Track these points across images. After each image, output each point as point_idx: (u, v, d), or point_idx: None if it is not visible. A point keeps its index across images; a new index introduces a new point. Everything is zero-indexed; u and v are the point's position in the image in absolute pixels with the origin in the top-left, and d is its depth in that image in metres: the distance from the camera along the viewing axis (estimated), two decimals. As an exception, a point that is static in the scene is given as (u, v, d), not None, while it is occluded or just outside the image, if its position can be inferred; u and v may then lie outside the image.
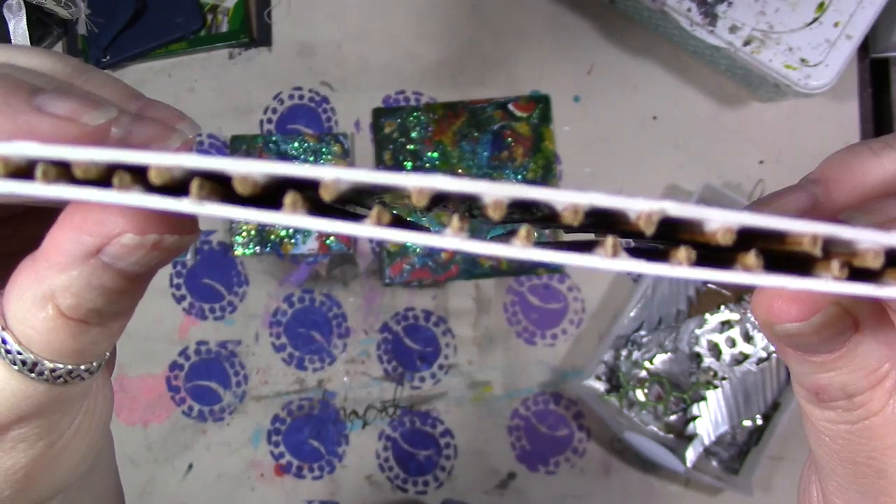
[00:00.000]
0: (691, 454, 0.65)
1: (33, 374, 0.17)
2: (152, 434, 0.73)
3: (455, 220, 0.13)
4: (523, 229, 0.13)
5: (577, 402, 0.70)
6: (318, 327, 0.72)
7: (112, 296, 0.17)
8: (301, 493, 0.72)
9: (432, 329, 0.71)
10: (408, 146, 0.71)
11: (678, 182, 0.70)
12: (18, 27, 0.70)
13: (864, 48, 0.69)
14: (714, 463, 0.67)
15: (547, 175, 0.70)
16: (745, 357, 0.67)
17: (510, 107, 0.71)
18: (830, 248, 0.13)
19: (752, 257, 0.13)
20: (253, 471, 0.72)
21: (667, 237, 0.14)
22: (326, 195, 0.13)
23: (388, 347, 0.71)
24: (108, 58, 0.74)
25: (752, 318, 0.67)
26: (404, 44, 0.73)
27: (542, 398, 0.70)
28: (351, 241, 0.71)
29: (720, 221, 0.12)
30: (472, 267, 0.70)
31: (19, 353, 0.17)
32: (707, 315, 0.67)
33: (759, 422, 0.67)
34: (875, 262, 0.12)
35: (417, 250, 0.70)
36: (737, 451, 0.67)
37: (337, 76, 0.73)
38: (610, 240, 0.13)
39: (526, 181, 0.70)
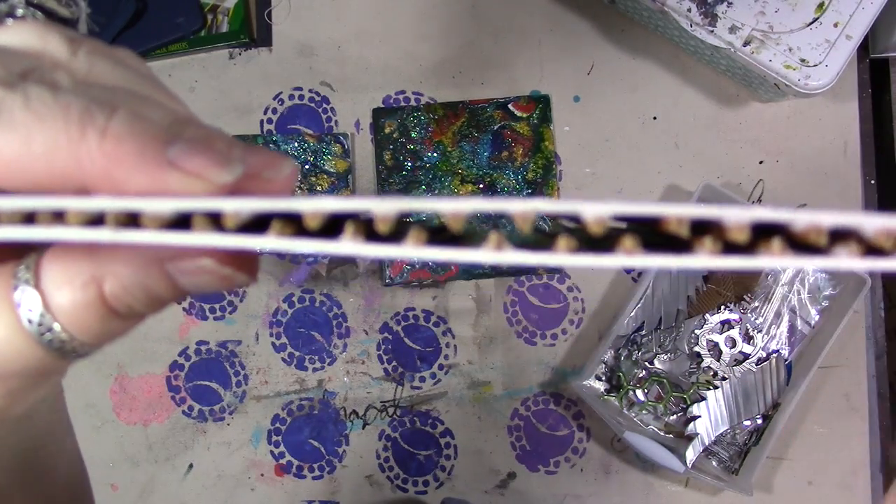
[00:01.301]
0: (691, 454, 0.65)
1: (42, 338, 0.17)
2: (152, 434, 0.73)
3: (350, 227, 0.14)
4: (414, 231, 0.14)
5: (577, 402, 0.70)
6: (318, 327, 0.72)
7: (154, 301, 0.18)
8: (301, 493, 0.72)
9: (432, 329, 0.71)
10: (408, 146, 0.71)
11: (678, 182, 0.70)
12: (18, 27, 0.70)
13: (864, 48, 0.69)
14: (714, 463, 0.67)
15: (547, 175, 0.70)
16: (745, 357, 0.67)
17: (510, 107, 0.71)
18: (708, 228, 0.13)
19: (629, 240, 0.14)
20: (253, 471, 0.72)
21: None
22: (230, 223, 0.15)
23: (388, 347, 0.71)
24: (108, 58, 0.74)
25: (753, 319, 0.67)
26: (404, 44, 0.73)
27: (542, 398, 0.70)
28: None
29: (591, 213, 0.13)
30: (472, 267, 0.70)
31: (42, 315, 0.17)
32: (707, 315, 0.67)
33: (759, 422, 0.67)
34: (741, 237, 0.13)
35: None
36: (737, 451, 0.67)
37: (337, 76, 0.74)
38: (494, 235, 0.14)
39: (526, 181, 0.70)
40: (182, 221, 0.15)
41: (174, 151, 0.16)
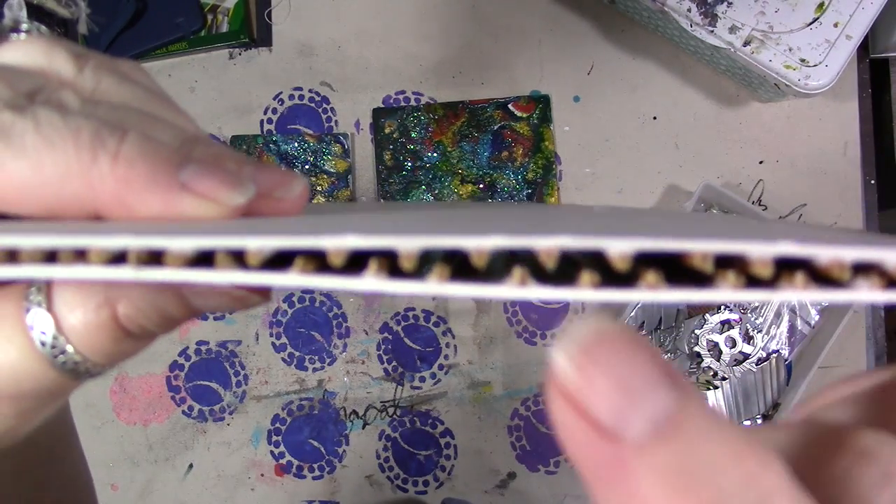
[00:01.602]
0: (691, 454, 0.65)
1: (55, 360, 0.17)
2: (152, 434, 0.73)
3: (374, 264, 0.14)
4: (437, 268, 0.14)
5: (577, 402, 0.70)
6: (318, 327, 0.72)
7: (167, 321, 0.18)
8: (301, 493, 0.72)
9: (432, 329, 0.71)
10: (408, 146, 0.71)
11: (678, 182, 0.70)
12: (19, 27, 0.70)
13: (864, 48, 0.69)
14: (714, 463, 0.67)
15: (547, 175, 0.70)
16: (745, 357, 0.67)
17: (510, 107, 0.71)
18: (731, 260, 0.14)
19: (652, 275, 0.14)
20: (253, 471, 0.72)
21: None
22: (253, 260, 0.15)
23: (388, 347, 0.71)
24: (108, 58, 0.74)
25: (753, 319, 0.67)
26: (404, 44, 0.73)
27: (542, 398, 0.70)
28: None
29: (616, 249, 0.13)
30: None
31: (55, 337, 0.17)
32: (707, 315, 0.67)
33: (760, 422, 0.67)
34: (765, 272, 0.13)
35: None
36: (737, 451, 0.67)
37: (337, 76, 0.74)
38: (518, 270, 0.14)
39: (526, 181, 0.70)
40: (204, 257, 0.15)
41: (186, 174, 0.16)
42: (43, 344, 0.17)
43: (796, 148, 0.69)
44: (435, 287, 0.14)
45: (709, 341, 0.67)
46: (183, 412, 0.73)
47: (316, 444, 0.72)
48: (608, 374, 0.11)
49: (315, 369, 0.72)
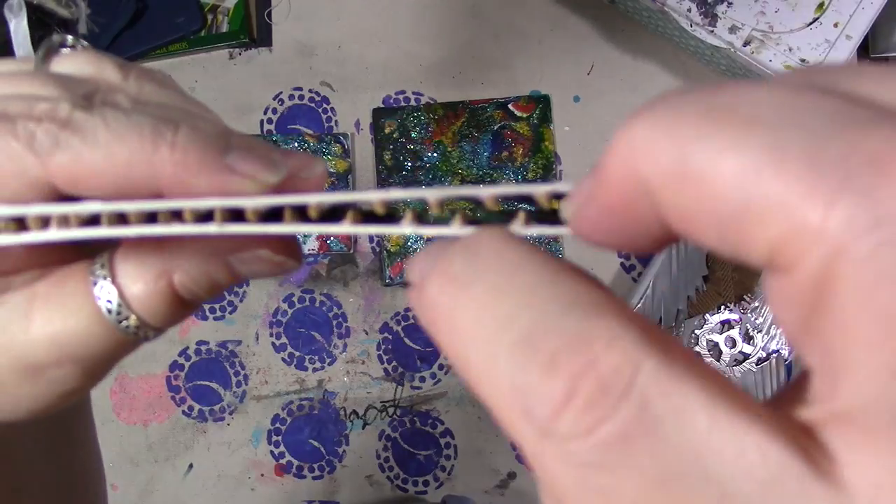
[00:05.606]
0: (691, 454, 0.65)
1: (119, 325, 0.20)
2: (152, 434, 0.73)
3: (409, 213, 0.18)
4: (459, 214, 0.18)
5: (577, 402, 0.70)
6: (318, 327, 0.72)
7: (215, 288, 0.21)
8: (301, 493, 0.72)
9: (432, 329, 0.71)
10: (408, 146, 0.72)
11: (678, 182, 0.70)
12: (19, 27, 0.70)
13: (864, 48, 0.69)
14: (714, 463, 0.67)
15: (547, 175, 0.70)
16: (745, 357, 0.67)
17: (510, 107, 0.71)
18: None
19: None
20: (253, 471, 0.72)
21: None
22: (314, 213, 0.18)
23: (388, 347, 0.71)
24: (108, 58, 0.74)
25: (753, 319, 0.67)
26: (404, 44, 0.73)
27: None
28: (351, 241, 0.71)
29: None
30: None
31: (119, 305, 0.20)
32: (707, 315, 0.67)
33: (759, 422, 0.67)
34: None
35: (418, 250, 0.70)
36: (737, 451, 0.67)
37: (337, 76, 0.74)
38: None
39: (526, 181, 0.70)
40: (272, 214, 0.18)
41: (231, 157, 0.19)
42: (109, 311, 0.20)
43: (796, 148, 0.69)
44: (457, 230, 0.17)
45: (709, 341, 0.67)
46: (183, 412, 0.73)
47: (316, 444, 0.72)
48: (423, 258, 0.15)
49: (315, 369, 0.72)
